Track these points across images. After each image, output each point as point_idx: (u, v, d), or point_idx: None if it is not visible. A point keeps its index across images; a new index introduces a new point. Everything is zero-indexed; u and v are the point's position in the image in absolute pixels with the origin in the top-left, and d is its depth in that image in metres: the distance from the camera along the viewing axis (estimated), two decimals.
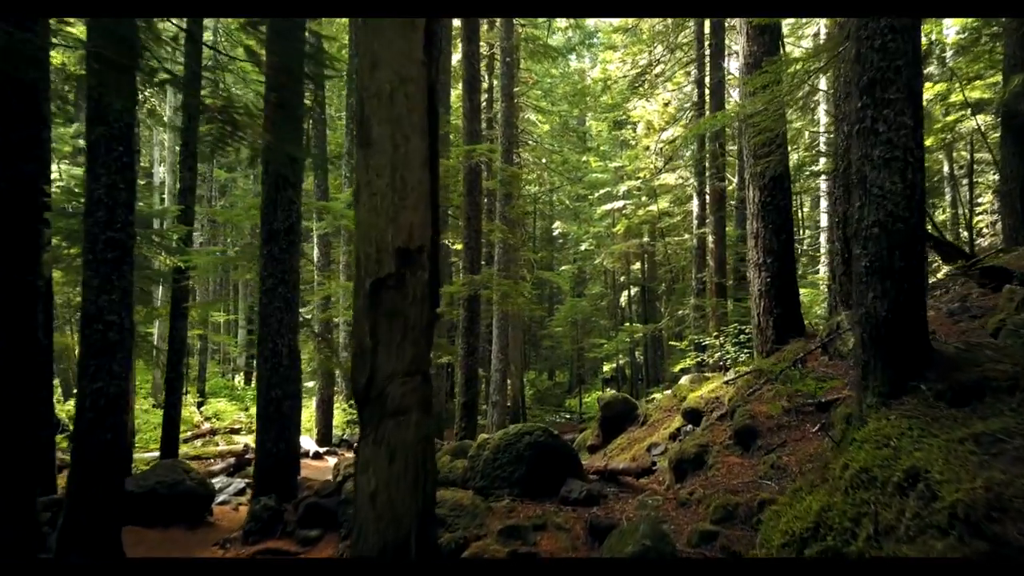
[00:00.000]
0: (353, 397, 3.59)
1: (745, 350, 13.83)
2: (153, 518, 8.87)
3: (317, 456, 15.98)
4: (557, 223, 31.47)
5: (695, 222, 17.67)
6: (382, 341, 3.63)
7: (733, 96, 22.68)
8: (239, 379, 27.50)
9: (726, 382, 8.07)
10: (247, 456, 14.31)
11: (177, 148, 16.28)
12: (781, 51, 9.12)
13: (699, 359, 15.68)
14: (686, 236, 22.98)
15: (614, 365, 28.34)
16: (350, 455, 12.83)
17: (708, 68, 17.20)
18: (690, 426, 7.77)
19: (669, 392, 13.32)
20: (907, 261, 3.81)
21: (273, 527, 7.45)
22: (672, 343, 17.08)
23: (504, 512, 5.14)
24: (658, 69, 19.61)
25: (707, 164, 17.20)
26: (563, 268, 30.91)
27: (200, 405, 21.24)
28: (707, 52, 17.15)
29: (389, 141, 3.61)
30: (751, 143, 8.24)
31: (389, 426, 3.60)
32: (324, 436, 16.57)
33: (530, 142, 25.19)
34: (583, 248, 27.59)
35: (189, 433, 16.50)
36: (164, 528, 8.89)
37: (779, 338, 8.21)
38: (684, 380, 12.83)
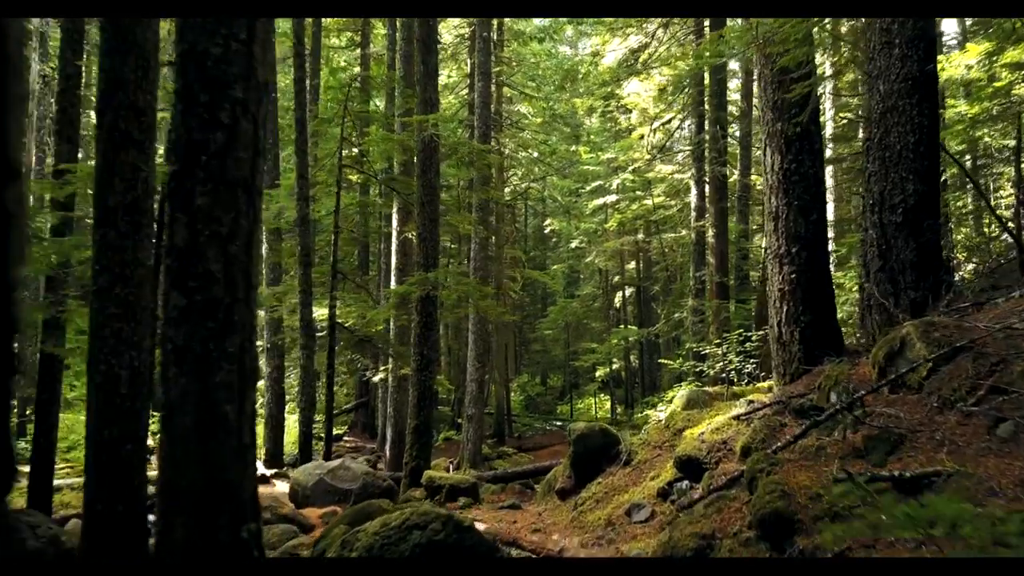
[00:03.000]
0: None
1: (751, 360, 11.45)
2: None
3: (264, 480, 13.60)
4: (549, 220, 29.02)
5: (693, 214, 15.25)
6: None
7: (737, 78, 20.24)
8: None
9: (737, 417, 5.67)
10: None
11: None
12: None
13: (697, 369, 13.27)
14: (683, 232, 20.54)
15: (608, 369, 25.91)
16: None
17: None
18: (686, 482, 5.37)
19: (661, 417, 10.89)
20: None
21: None
22: (663, 361, 14.68)
23: None
24: (652, 46, 17.19)
25: (706, 149, 14.79)
26: (554, 267, 28.47)
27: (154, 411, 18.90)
28: (707, 21, 14.74)
29: None
30: (772, 72, 5.86)
31: None
32: (274, 456, 14.19)
33: (519, 133, 22.79)
34: (573, 246, 25.15)
35: None
36: None
37: (808, 356, 5.81)
38: (678, 401, 10.43)
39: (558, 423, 25.54)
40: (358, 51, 19.52)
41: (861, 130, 17.35)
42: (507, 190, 23.23)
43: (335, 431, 20.20)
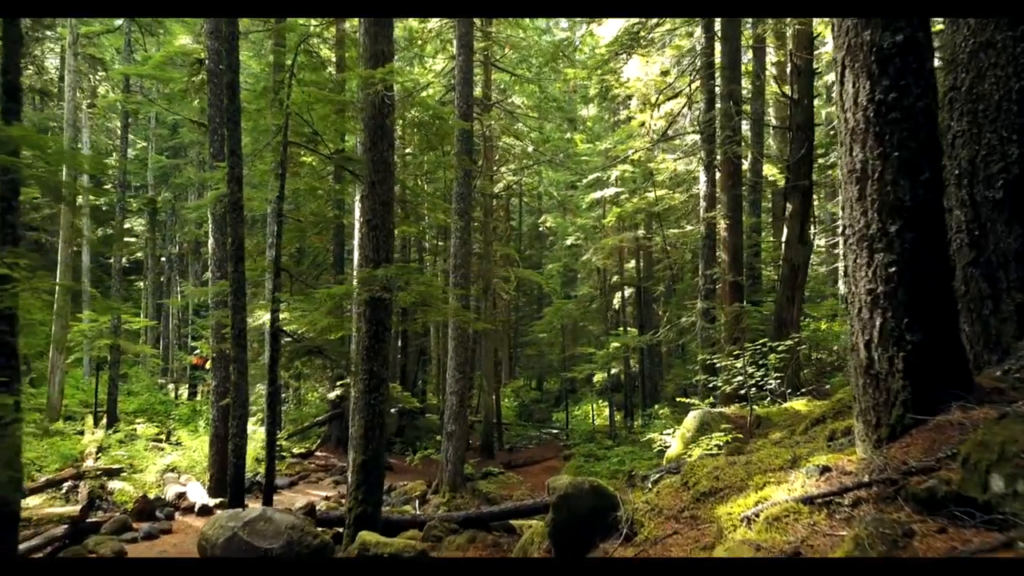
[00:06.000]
0: None
1: (775, 375, 9.14)
2: None
3: (205, 511, 11.29)
4: (544, 216, 26.69)
5: (702, 204, 12.92)
6: None
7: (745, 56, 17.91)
8: (183, 392, 22.93)
9: (807, 500, 3.36)
10: (88, 520, 9.66)
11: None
12: None
13: (710, 384, 10.96)
14: (688, 227, 18.22)
15: (606, 375, 23.58)
16: (253, 505, 8.05)
17: None
18: None
19: (669, 444, 8.58)
20: None
21: None
22: (682, 399, 12.34)
23: None
24: (652, 21, 14.89)
25: (718, 129, 12.48)
26: (549, 267, 26.13)
27: (111, 425, 16.66)
28: None
29: None
30: None
31: None
32: (220, 482, 11.91)
33: (513, 124, 20.46)
34: (569, 243, 22.80)
35: (44, 479, 11.85)
36: None
37: (920, 398, 3.49)
38: (689, 424, 8.15)
39: (554, 431, 23.25)
40: (333, 29, 17.28)
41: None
42: (499, 185, 20.96)
43: (302, 448, 17.87)
